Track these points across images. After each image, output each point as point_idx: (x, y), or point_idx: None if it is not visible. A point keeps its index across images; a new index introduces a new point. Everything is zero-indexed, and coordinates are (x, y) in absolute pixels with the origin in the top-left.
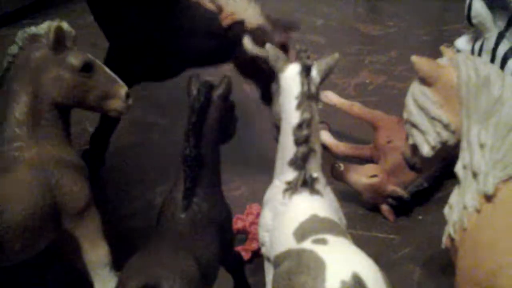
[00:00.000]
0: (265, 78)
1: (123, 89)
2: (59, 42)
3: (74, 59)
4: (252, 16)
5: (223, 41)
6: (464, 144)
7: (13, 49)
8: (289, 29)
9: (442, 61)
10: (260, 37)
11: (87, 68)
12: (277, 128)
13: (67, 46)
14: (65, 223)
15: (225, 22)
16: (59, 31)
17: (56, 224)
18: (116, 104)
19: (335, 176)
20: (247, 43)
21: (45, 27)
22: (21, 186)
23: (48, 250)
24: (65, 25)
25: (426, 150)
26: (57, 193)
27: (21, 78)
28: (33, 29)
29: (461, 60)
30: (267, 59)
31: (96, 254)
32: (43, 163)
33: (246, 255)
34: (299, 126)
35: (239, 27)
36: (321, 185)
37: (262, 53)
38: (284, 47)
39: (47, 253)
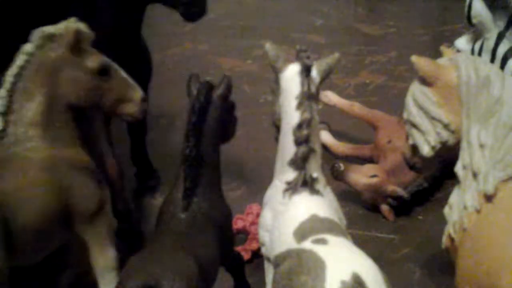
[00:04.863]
0: None
1: (138, 93)
2: (78, 44)
3: (92, 62)
4: None
5: None
6: (464, 144)
7: (29, 48)
8: None
9: (442, 61)
10: None
11: (104, 71)
12: (277, 128)
13: (83, 48)
14: (75, 226)
15: None
16: (78, 32)
17: (67, 226)
18: (131, 109)
19: (335, 176)
20: None
21: (62, 27)
22: (34, 188)
23: (59, 253)
24: (83, 26)
25: (426, 150)
26: (68, 196)
27: (37, 77)
28: (50, 29)
29: (461, 60)
30: None
31: (104, 259)
32: (56, 165)
33: (246, 255)
34: (299, 126)
35: None
36: (321, 185)
37: None
38: None
39: (57, 256)
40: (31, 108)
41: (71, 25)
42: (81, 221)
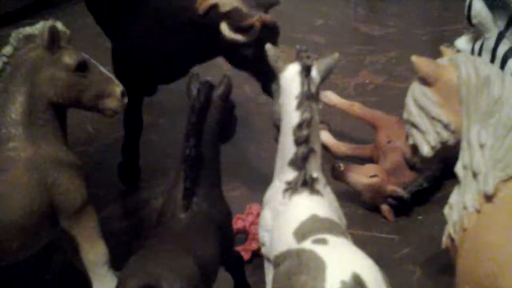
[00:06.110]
0: (255, 65)
1: (118, 88)
2: (54, 42)
3: (69, 58)
4: None
5: (205, 32)
6: (464, 144)
7: (8, 49)
8: (269, 7)
9: (442, 61)
10: (237, 20)
11: (82, 67)
12: (277, 128)
13: (61, 46)
14: (62, 223)
15: (201, 8)
16: (53, 31)
17: (53, 224)
18: (111, 103)
19: (335, 176)
20: (225, 28)
21: (39, 27)
22: (18, 186)
23: (47, 250)
24: (59, 25)
25: (426, 150)
26: (53, 193)
27: (17, 78)
28: (27, 30)
29: (461, 60)
30: (248, 43)
31: (94, 253)
32: (39, 163)
33: (246, 255)
34: (299, 126)
35: (214, 12)
36: (321, 185)
37: (240, 38)
38: (268, 27)
39: (46, 253)
40: (13, 108)
41: (47, 24)
42: (67, 217)
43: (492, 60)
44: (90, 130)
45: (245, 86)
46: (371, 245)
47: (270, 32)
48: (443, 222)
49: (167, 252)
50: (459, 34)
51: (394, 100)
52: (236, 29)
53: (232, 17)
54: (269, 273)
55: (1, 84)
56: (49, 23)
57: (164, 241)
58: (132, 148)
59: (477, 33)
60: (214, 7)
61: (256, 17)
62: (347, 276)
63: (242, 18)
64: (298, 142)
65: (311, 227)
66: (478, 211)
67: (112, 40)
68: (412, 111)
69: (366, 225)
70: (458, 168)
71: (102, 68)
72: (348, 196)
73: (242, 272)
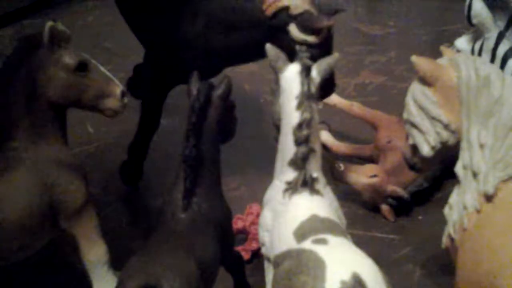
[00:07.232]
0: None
1: (118, 88)
2: (54, 42)
3: (69, 58)
4: (297, 1)
5: (267, 32)
6: (464, 144)
7: (9, 50)
8: (335, 13)
9: (442, 61)
10: (307, 22)
11: (82, 67)
12: (277, 128)
13: (62, 46)
14: (62, 223)
15: (269, 10)
16: (53, 31)
17: (53, 224)
18: (111, 103)
19: (335, 176)
20: (294, 30)
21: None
22: (18, 186)
23: (47, 249)
24: (59, 25)
25: (426, 150)
26: (53, 193)
27: (17, 78)
28: (27, 30)
29: (461, 60)
30: (316, 45)
31: (94, 253)
32: (40, 163)
33: (246, 255)
34: (299, 126)
35: (284, 14)
36: (321, 185)
37: (311, 39)
38: (329, 31)
39: (46, 253)
40: (13, 108)
41: (47, 24)
42: (68, 217)
43: (492, 60)
44: (90, 130)
45: (245, 86)
46: (371, 245)
47: (330, 35)
48: (443, 222)
49: (167, 252)
50: (459, 34)
51: (394, 100)
52: (306, 30)
53: (302, 19)
54: (269, 273)
55: (2, 85)
56: (49, 23)
57: (164, 241)
58: (140, 148)
59: (477, 33)
60: (285, 9)
61: (328, 21)
62: (347, 276)
63: (313, 21)
64: (298, 142)
65: (311, 227)
66: (478, 211)
67: (152, 43)
68: (412, 111)
69: (366, 225)
70: (458, 168)
71: (102, 68)
72: (348, 196)
73: (242, 272)
